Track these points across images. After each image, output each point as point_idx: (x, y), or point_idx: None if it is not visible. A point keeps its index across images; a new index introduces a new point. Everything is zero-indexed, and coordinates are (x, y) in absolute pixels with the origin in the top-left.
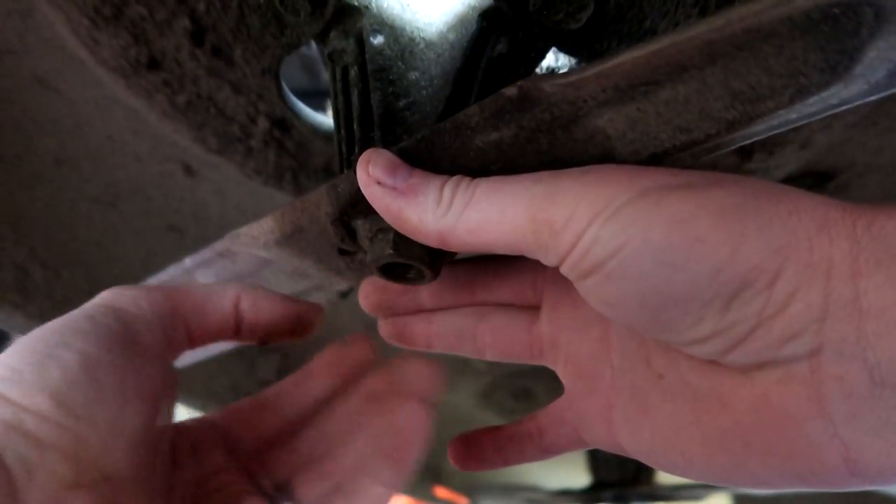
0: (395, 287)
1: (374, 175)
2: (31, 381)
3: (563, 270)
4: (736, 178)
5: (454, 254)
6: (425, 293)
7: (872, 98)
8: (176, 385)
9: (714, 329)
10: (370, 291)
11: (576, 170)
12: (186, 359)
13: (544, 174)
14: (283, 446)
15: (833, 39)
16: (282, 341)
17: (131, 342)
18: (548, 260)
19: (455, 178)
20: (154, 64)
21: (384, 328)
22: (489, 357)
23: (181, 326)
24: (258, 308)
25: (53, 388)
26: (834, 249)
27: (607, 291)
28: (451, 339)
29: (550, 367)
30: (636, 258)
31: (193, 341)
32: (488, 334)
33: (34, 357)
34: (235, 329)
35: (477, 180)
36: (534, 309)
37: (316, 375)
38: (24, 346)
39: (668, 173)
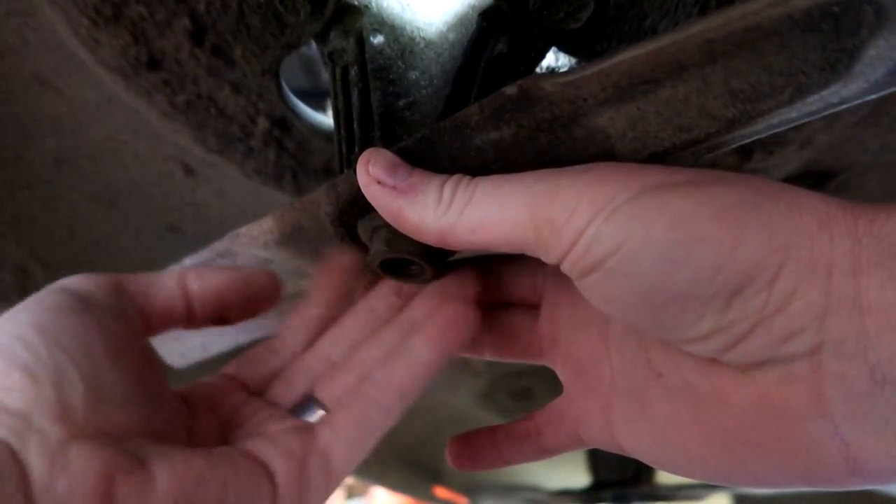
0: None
1: (374, 174)
2: (1, 360)
3: (564, 268)
4: (736, 176)
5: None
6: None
7: (873, 97)
8: (154, 352)
9: (714, 327)
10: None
11: (576, 168)
12: (186, 358)
13: (545, 172)
14: (299, 367)
15: (833, 38)
16: (243, 318)
17: (86, 309)
18: (548, 258)
19: (455, 177)
20: (154, 64)
21: None
22: (488, 356)
23: (131, 307)
24: (205, 282)
25: (24, 363)
26: (835, 247)
27: (608, 289)
28: None
29: (550, 366)
30: (637, 256)
31: (150, 326)
32: (487, 334)
33: (1, 339)
34: (187, 309)
35: (477, 179)
36: (533, 308)
37: (315, 301)
38: None
39: (668, 171)
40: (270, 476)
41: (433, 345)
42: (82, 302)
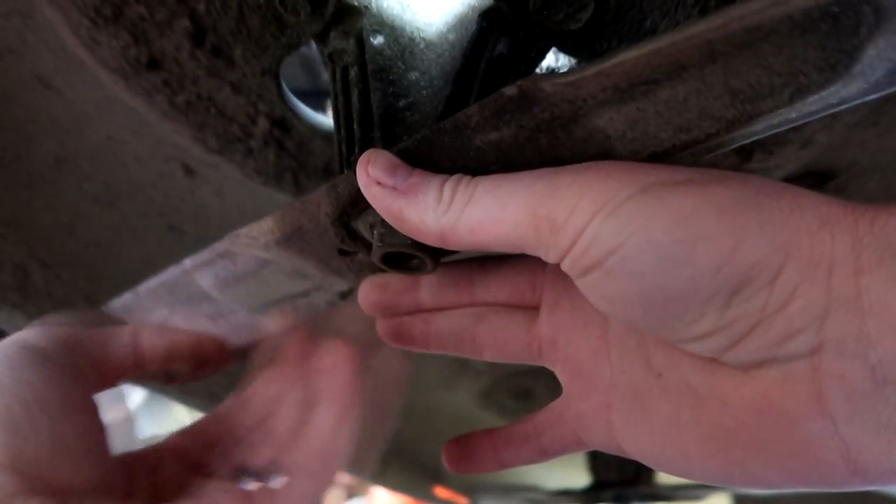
0: (394, 287)
1: (373, 175)
2: None
3: (564, 267)
4: (737, 176)
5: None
6: (424, 293)
7: (872, 97)
8: (99, 415)
9: (715, 326)
10: (369, 291)
11: (576, 166)
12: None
13: (545, 171)
14: (235, 444)
15: (833, 38)
16: (189, 379)
17: (43, 364)
18: (548, 257)
19: (455, 177)
20: (154, 64)
21: (382, 327)
22: (488, 357)
23: (87, 362)
24: (154, 341)
25: None
26: (836, 246)
27: (608, 288)
28: (449, 340)
29: (549, 367)
30: (637, 254)
31: (104, 378)
32: (487, 335)
33: None
34: (137, 364)
35: (477, 178)
36: (533, 309)
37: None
38: None
39: (669, 170)
40: None
41: (334, 417)
42: (40, 356)
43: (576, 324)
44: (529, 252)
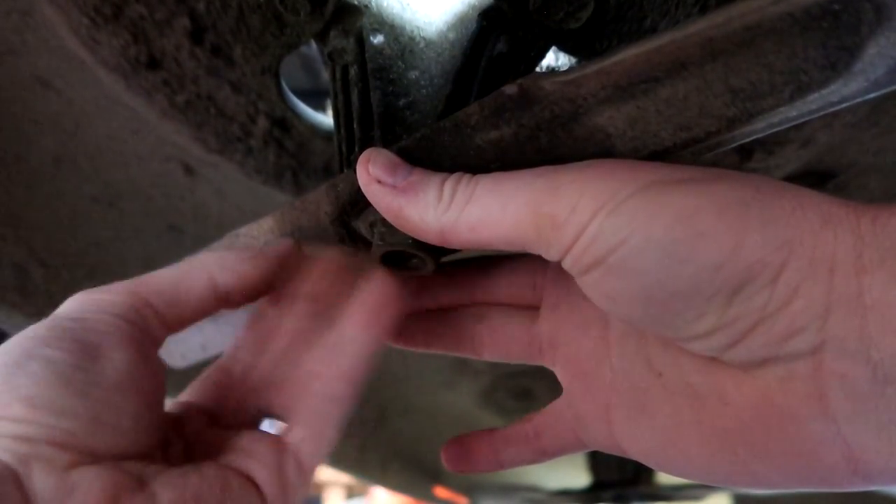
0: None
1: (373, 174)
2: (2, 392)
3: (566, 265)
4: (739, 174)
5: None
6: (424, 292)
7: (873, 95)
8: (161, 373)
9: (716, 324)
10: None
11: (578, 164)
12: (186, 360)
13: (546, 169)
14: (249, 384)
15: (833, 36)
16: (265, 294)
17: (94, 342)
18: (549, 254)
19: (456, 175)
20: (154, 63)
21: None
22: (488, 357)
23: (152, 318)
24: (240, 276)
25: (26, 396)
26: (838, 245)
27: (609, 286)
28: (449, 340)
29: (549, 367)
30: (639, 252)
31: (171, 327)
32: (487, 334)
33: (3, 370)
34: (217, 304)
35: (478, 177)
36: (533, 309)
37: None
38: None
39: (670, 168)
40: (256, 486)
41: (362, 327)
42: (92, 329)
43: (576, 323)
44: (530, 250)
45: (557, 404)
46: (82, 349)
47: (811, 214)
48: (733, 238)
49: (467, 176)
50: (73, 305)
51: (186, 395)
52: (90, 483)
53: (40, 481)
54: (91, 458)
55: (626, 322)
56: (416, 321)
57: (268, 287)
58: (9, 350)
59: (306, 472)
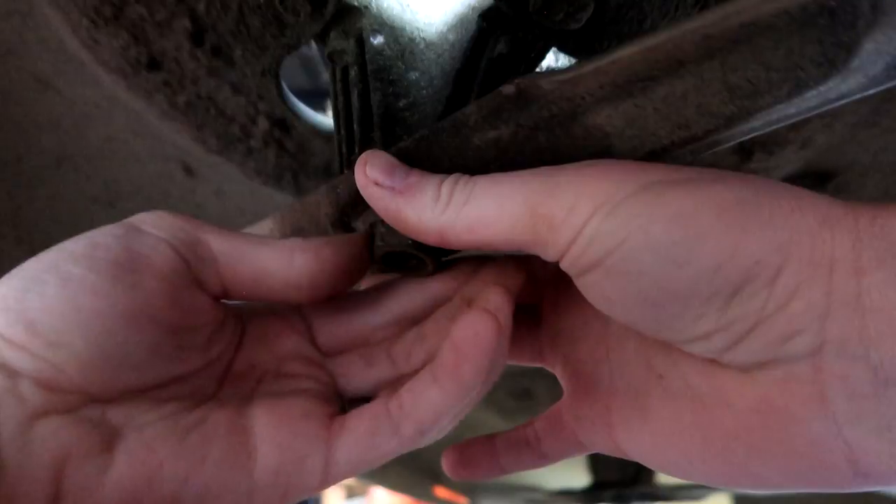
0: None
1: (371, 176)
2: (12, 308)
3: (564, 266)
4: (737, 175)
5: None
6: None
7: (870, 92)
8: (199, 320)
9: (715, 326)
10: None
11: (575, 164)
12: None
13: (543, 169)
14: (371, 355)
15: (830, 32)
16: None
17: (130, 263)
18: (547, 255)
19: (453, 176)
20: (154, 64)
21: None
22: None
23: (208, 266)
24: (320, 259)
25: (30, 317)
26: (836, 246)
27: (608, 287)
28: None
29: (550, 369)
30: (637, 254)
31: (225, 286)
32: None
33: (21, 283)
34: (284, 289)
35: (475, 177)
36: (533, 311)
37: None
38: (20, 270)
39: (668, 169)
40: (248, 469)
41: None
42: (136, 249)
43: (576, 325)
44: (528, 251)
45: (558, 408)
46: (113, 269)
47: (809, 215)
48: (732, 239)
49: (465, 177)
50: (144, 217)
51: (309, 309)
52: (43, 440)
53: (5, 427)
54: (70, 402)
55: (624, 324)
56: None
57: (339, 284)
58: (40, 259)
59: (323, 483)
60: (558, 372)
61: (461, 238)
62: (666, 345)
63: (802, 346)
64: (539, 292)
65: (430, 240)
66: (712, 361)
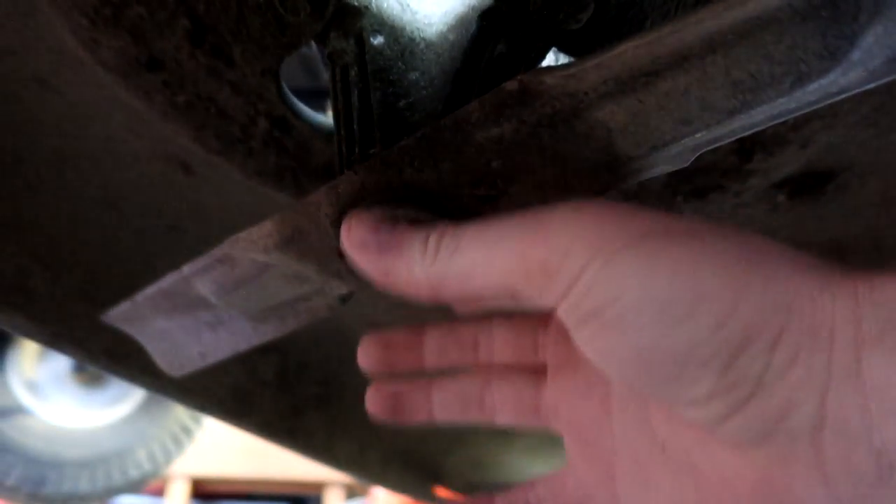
0: (396, 344)
1: (357, 236)
2: None
3: (561, 313)
4: (737, 231)
5: None
6: (428, 352)
7: (871, 85)
8: None
9: (713, 389)
10: (371, 347)
11: (565, 204)
12: (184, 368)
13: (532, 212)
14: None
15: (832, 25)
16: None
17: None
18: (543, 301)
19: (439, 228)
20: (154, 64)
21: (376, 399)
22: (500, 422)
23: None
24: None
25: None
26: (836, 313)
27: (604, 341)
28: (455, 408)
29: (557, 433)
30: (635, 309)
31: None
32: (495, 400)
33: None
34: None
35: (463, 226)
36: (540, 371)
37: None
38: None
39: (665, 219)
40: None
41: None
42: None
43: (578, 387)
44: (523, 299)
45: (560, 473)
46: None
47: (810, 278)
48: (732, 299)
49: (452, 227)
50: None
51: None
52: None
53: None
54: None
55: (622, 382)
56: (417, 393)
57: None
58: None
59: None
60: (563, 436)
61: (454, 291)
62: (667, 413)
63: (802, 421)
64: (542, 352)
65: (424, 296)
66: (712, 434)
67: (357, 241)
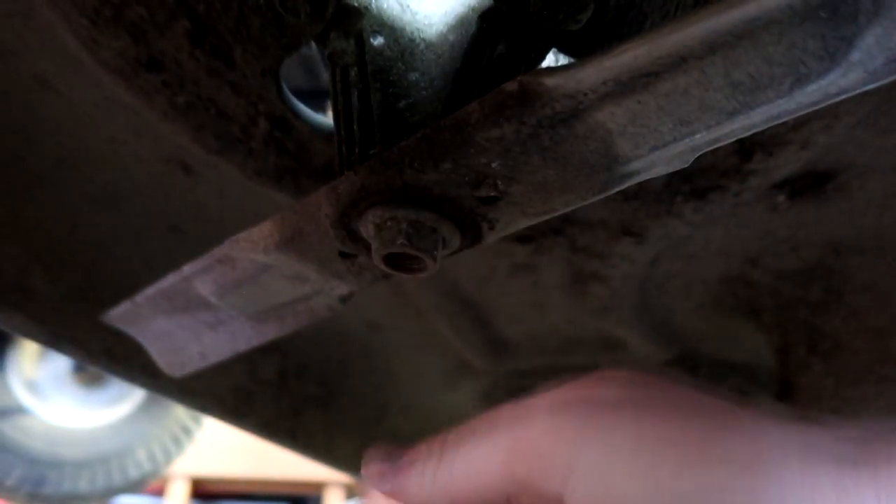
0: None
1: (374, 465)
2: None
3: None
4: (745, 419)
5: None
6: None
7: (870, 86)
8: None
9: None
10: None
11: (545, 408)
12: (185, 368)
13: (513, 420)
14: None
15: (832, 26)
16: None
17: None
18: (547, 489)
19: (428, 445)
20: (154, 65)
21: None
22: None
23: None
24: None
25: None
26: None
27: None
28: None
29: None
30: None
31: None
32: None
33: None
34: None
35: (449, 440)
36: None
37: None
38: None
39: (651, 419)
40: None
41: None
42: None
43: None
44: (531, 491)
45: None
46: None
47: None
48: None
49: (439, 439)
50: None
51: None
52: None
53: None
54: None
55: None
56: None
57: None
58: None
59: None
60: None
61: (462, 497)
62: None
63: None
64: None
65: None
66: None
67: (376, 468)
